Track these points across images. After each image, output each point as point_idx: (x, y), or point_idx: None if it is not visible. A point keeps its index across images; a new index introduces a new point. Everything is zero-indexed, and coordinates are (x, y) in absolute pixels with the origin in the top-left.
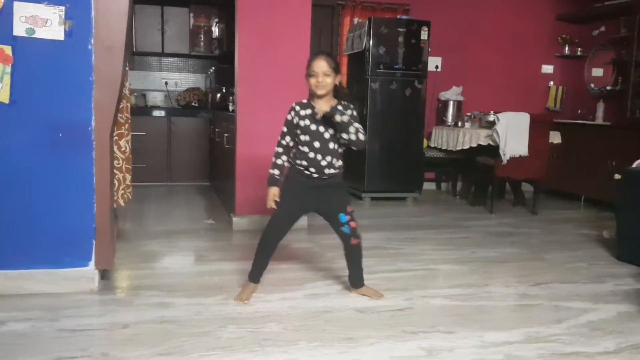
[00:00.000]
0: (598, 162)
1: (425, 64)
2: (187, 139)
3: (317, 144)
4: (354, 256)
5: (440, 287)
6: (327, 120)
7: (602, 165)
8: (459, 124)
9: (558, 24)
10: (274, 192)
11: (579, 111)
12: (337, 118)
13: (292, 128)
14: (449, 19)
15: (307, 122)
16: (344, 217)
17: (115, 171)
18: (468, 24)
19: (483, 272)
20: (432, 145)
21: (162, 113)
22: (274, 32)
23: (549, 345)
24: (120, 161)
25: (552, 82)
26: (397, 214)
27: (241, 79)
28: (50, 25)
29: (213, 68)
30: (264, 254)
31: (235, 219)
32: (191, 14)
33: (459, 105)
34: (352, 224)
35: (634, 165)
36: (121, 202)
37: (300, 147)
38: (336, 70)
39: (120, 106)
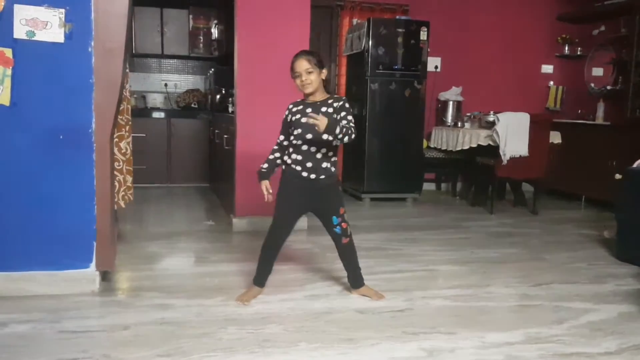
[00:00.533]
0: (598, 162)
1: (425, 64)
2: (186, 140)
3: (309, 136)
4: (347, 255)
5: (440, 288)
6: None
7: (602, 165)
8: (459, 124)
9: (558, 23)
10: (265, 184)
11: (579, 111)
12: (337, 131)
13: (287, 126)
14: (448, 19)
15: (298, 115)
16: (335, 220)
17: (115, 173)
18: (467, 24)
19: (483, 273)
20: (432, 145)
21: (162, 115)
22: (273, 34)
23: (549, 346)
24: (121, 163)
25: (552, 82)
26: (397, 215)
27: (240, 80)
28: (51, 27)
29: (212, 69)
30: (267, 258)
31: (235, 220)
32: (190, 16)
33: (458, 105)
34: (343, 224)
35: (635, 165)
36: (122, 203)
37: (295, 142)
38: (319, 65)
39: (121, 108)
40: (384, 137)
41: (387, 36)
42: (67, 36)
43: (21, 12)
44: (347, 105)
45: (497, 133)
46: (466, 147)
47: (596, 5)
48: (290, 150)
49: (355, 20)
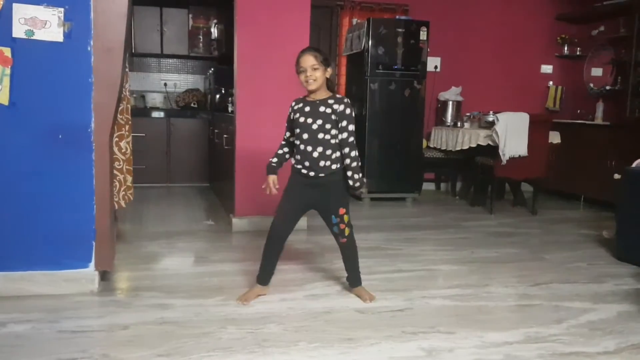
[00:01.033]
0: (598, 162)
1: (424, 64)
2: (186, 140)
3: (305, 135)
4: (346, 255)
5: (440, 288)
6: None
7: (602, 165)
8: (459, 124)
9: (557, 23)
10: (272, 179)
11: (579, 111)
12: (356, 176)
13: (290, 124)
14: (448, 19)
15: (298, 114)
16: (334, 219)
17: (116, 172)
18: (467, 24)
19: (483, 273)
20: (432, 145)
21: (162, 114)
22: (273, 33)
23: (548, 346)
24: (121, 162)
25: (551, 82)
26: (397, 215)
27: (240, 80)
28: (50, 26)
29: (212, 69)
30: (270, 255)
31: (234, 220)
32: (190, 15)
33: (458, 105)
34: (342, 225)
35: (634, 165)
36: (122, 203)
37: (296, 142)
38: (325, 63)
39: (121, 107)
40: (384, 137)
41: (387, 36)
42: (66, 35)
43: (20, 11)
44: (348, 111)
45: (496, 133)
46: (466, 147)
47: (596, 5)
48: (294, 151)
49: (355, 20)
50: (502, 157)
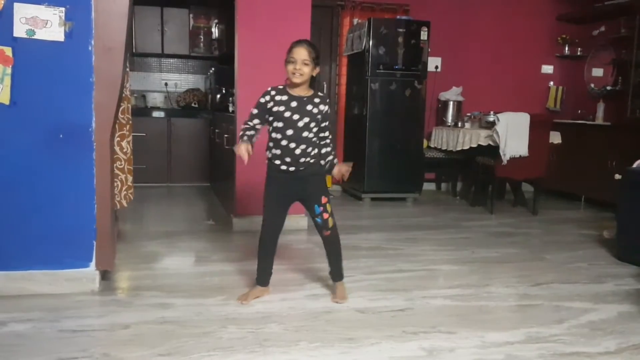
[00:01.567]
0: (598, 162)
1: (425, 64)
2: (187, 140)
3: (290, 132)
4: (328, 248)
5: (440, 288)
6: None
7: (602, 165)
8: (459, 124)
9: (558, 24)
10: (245, 145)
11: (579, 111)
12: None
13: (264, 112)
14: (448, 19)
15: (282, 108)
16: (317, 209)
17: (117, 172)
18: (467, 24)
19: (483, 273)
20: (432, 145)
21: (162, 114)
22: (273, 33)
23: (549, 346)
24: (123, 162)
25: (552, 82)
26: (397, 215)
27: (241, 80)
28: (51, 26)
29: (213, 69)
30: (265, 256)
31: (235, 220)
32: (191, 15)
33: (458, 105)
34: (325, 215)
35: (634, 165)
36: (124, 202)
37: (274, 135)
38: (316, 61)
39: (122, 107)
40: (384, 137)
41: (388, 36)
42: (67, 35)
43: (21, 11)
44: (329, 110)
45: (497, 133)
46: (466, 147)
47: (596, 5)
48: (270, 144)
49: (355, 20)
50: (502, 157)
